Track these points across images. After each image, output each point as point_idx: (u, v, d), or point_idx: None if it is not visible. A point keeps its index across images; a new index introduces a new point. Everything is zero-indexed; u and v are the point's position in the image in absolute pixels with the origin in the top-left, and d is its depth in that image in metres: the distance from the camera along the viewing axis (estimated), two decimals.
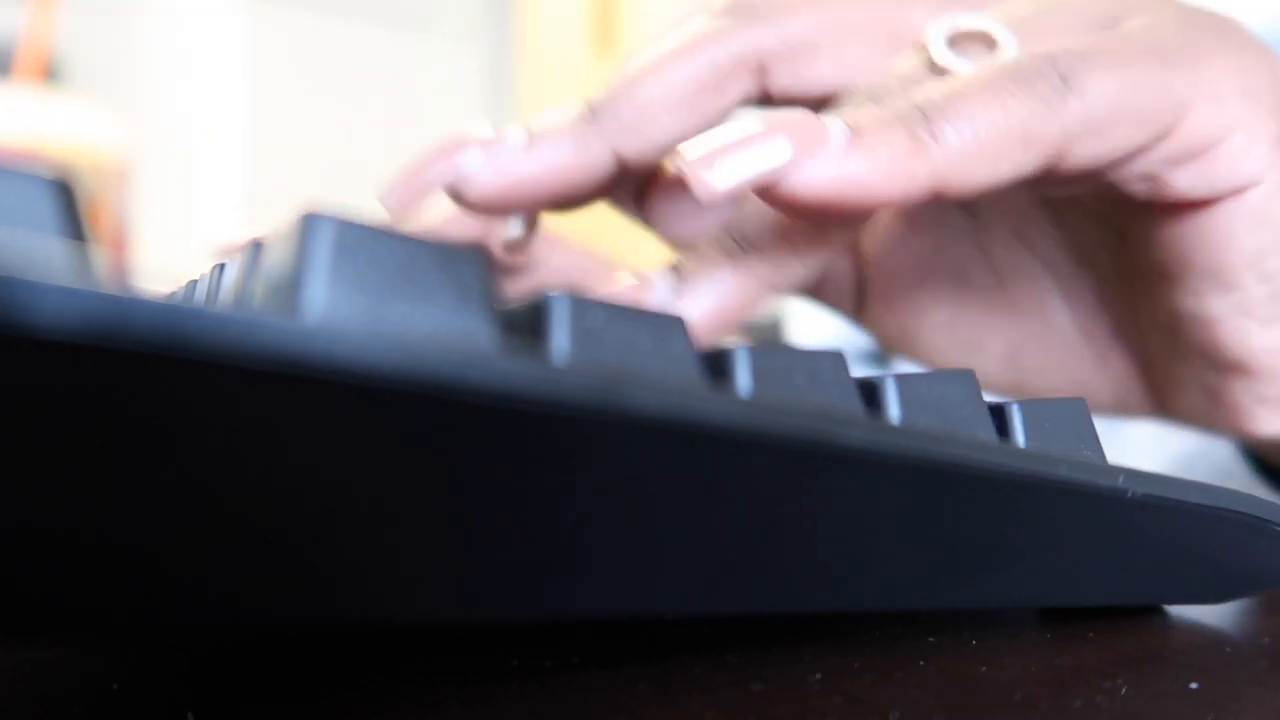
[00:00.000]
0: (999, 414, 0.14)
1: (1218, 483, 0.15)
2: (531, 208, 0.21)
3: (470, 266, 0.10)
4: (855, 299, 0.26)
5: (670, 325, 0.12)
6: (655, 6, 1.85)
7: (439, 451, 0.09)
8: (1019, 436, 0.14)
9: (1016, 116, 0.17)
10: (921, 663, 0.14)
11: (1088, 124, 0.17)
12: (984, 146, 0.17)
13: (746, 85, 0.21)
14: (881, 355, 0.52)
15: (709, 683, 0.13)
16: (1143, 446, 0.36)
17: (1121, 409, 0.25)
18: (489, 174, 0.19)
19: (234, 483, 0.09)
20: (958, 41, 0.19)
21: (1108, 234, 0.23)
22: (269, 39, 1.79)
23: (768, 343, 0.13)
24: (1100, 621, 0.16)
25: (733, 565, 0.12)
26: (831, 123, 0.17)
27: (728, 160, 0.16)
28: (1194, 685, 0.13)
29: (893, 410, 0.13)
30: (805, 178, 0.16)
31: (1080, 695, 0.13)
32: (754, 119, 0.17)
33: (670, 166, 0.21)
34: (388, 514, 0.10)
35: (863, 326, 0.26)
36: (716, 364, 0.12)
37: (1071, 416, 0.15)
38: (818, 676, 0.13)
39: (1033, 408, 0.15)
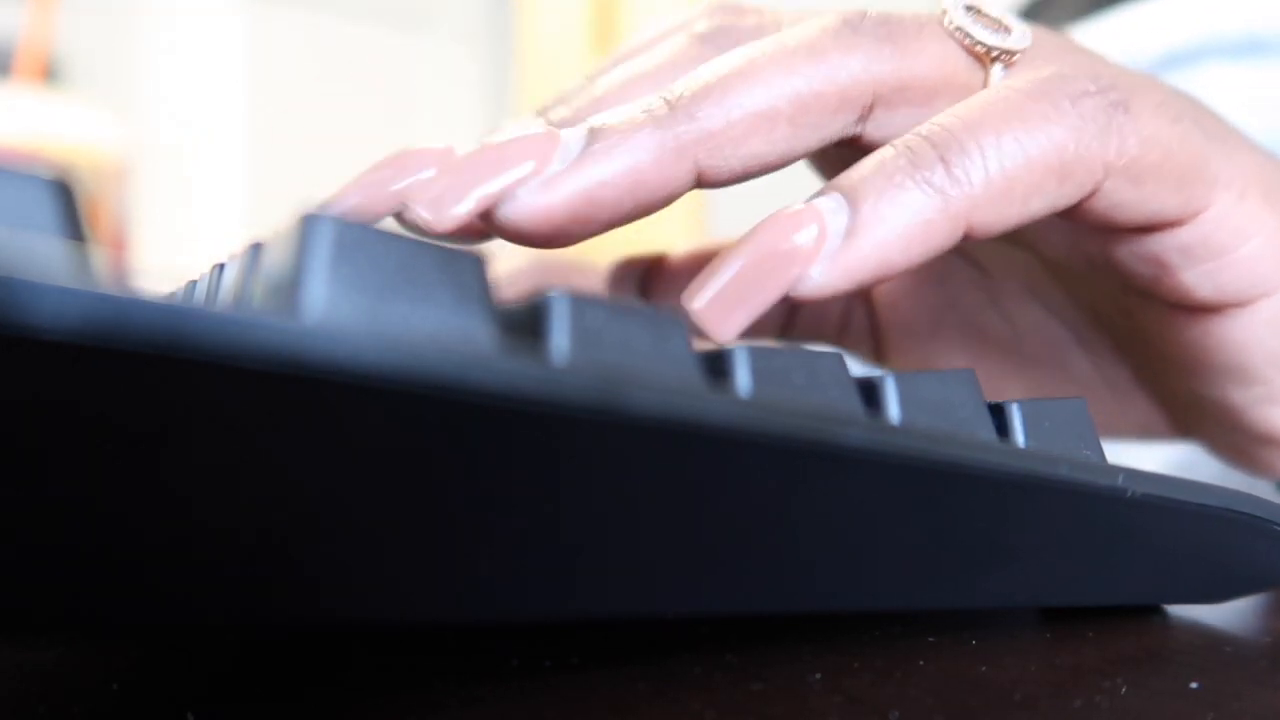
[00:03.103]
0: (999, 414, 0.14)
1: (1218, 483, 0.15)
2: (589, 231, 0.16)
3: (470, 267, 0.10)
4: (874, 348, 0.26)
5: (670, 325, 0.12)
6: (655, 6, 1.85)
7: (439, 452, 0.09)
8: (1019, 436, 0.14)
9: (1056, 141, 0.15)
10: (921, 663, 0.14)
11: (1133, 163, 0.15)
12: (1013, 181, 0.15)
13: (849, 121, 0.17)
14: None
15: (709, 683, 0.13)
16: (1142, 447, 0.36)
17: (1147, 438, 0.24)
18: (542, 193, 0.15)
19: (234, 483, 0.09)
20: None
21: (1117, 308, 0.22)
22: (269, 39, 1.78)
23: (767, 342, 0.12)
24: (1100, 621, 0.16)
25: (732, 565, 0.12)
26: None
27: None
28: (1194, 685, 0.13)
29: (892, 410, 0.13)
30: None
31: (1080, 695, 0.13)
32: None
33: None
34: (387, 514, 0.10)
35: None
36: (716, 364, 0.12)
37: (1071, 416, 0.15)
38: (818, 676, 0.13)
39: (1033, 407, 0.15)
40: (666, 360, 0.11)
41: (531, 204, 0.15)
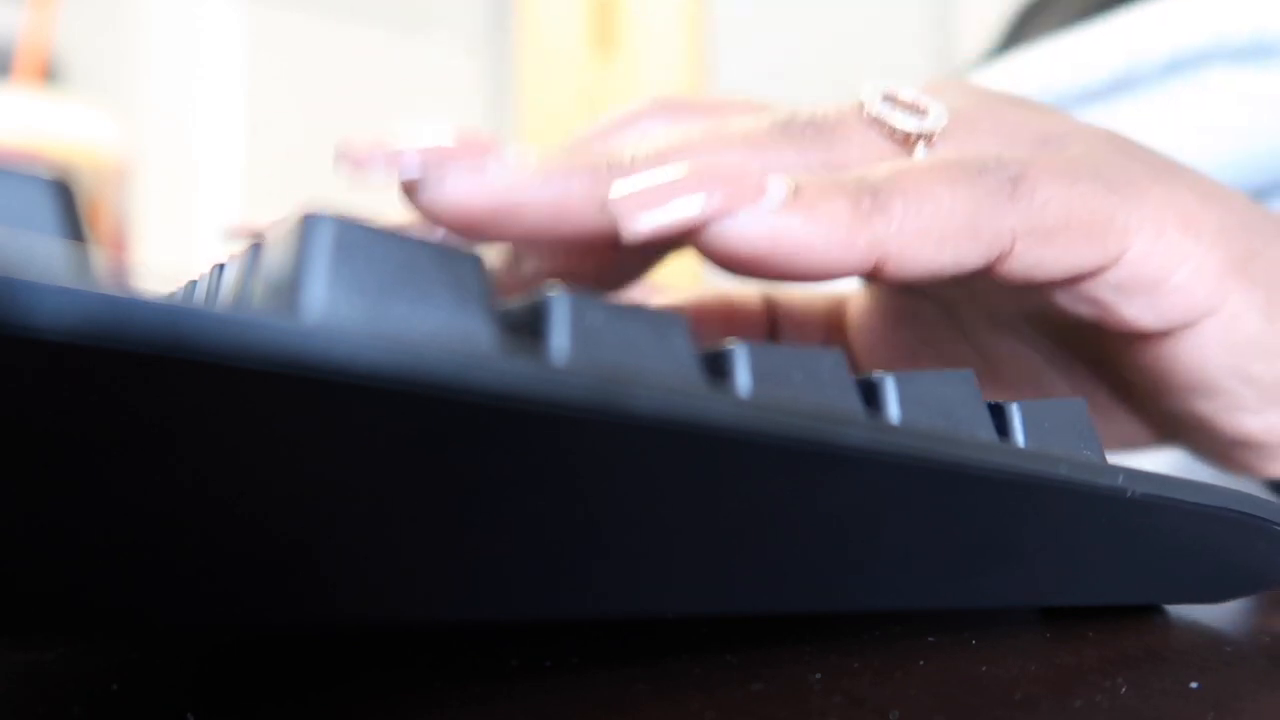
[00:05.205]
0: (999, 414, 0.14)
1: (1218, 483, 0.15)
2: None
3: (470, 266, 0.10)
4: None
5: (670, 325, 0.12)
6: (655, 6, 1.85)
7: (439, 452, 0.09)
8: (1019, 436, 0.14)
9: (966, 204, 0.16)
10: (921, 662, 0.14)
11: (1035, 227, 0.17)
12: (931, 228, 0.16)
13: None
14: None
15: (709, 683, 0.13)
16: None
17: (1133, 449, 0.25)
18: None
19: (234, 483, 0.09)
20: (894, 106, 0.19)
21: (1079, 336, 0.23)
22: (269, 39, 1.79)
23: (767, 342, 0.13)
24: (1100, 621, 0.16)
25: (732, 565, 0.12)
26: (773, 178, 0.16)
27: (653, 207, 0.15)
28: (1194, 685, 0.13)
29: (892, 409, 0.13)
30: (738, 228, 0.15)
31: (1080, 695, 0.13)
32: (685, 163, 0.16)
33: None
34: (387, 514, 0.10)
35: None
36: (716, 363, 0.12)
37: (1071, 416, 0.15)
38: (818, 676, 0.13)
39: (1033, 408, 0.15)
40: (666, 360, 0.11)
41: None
